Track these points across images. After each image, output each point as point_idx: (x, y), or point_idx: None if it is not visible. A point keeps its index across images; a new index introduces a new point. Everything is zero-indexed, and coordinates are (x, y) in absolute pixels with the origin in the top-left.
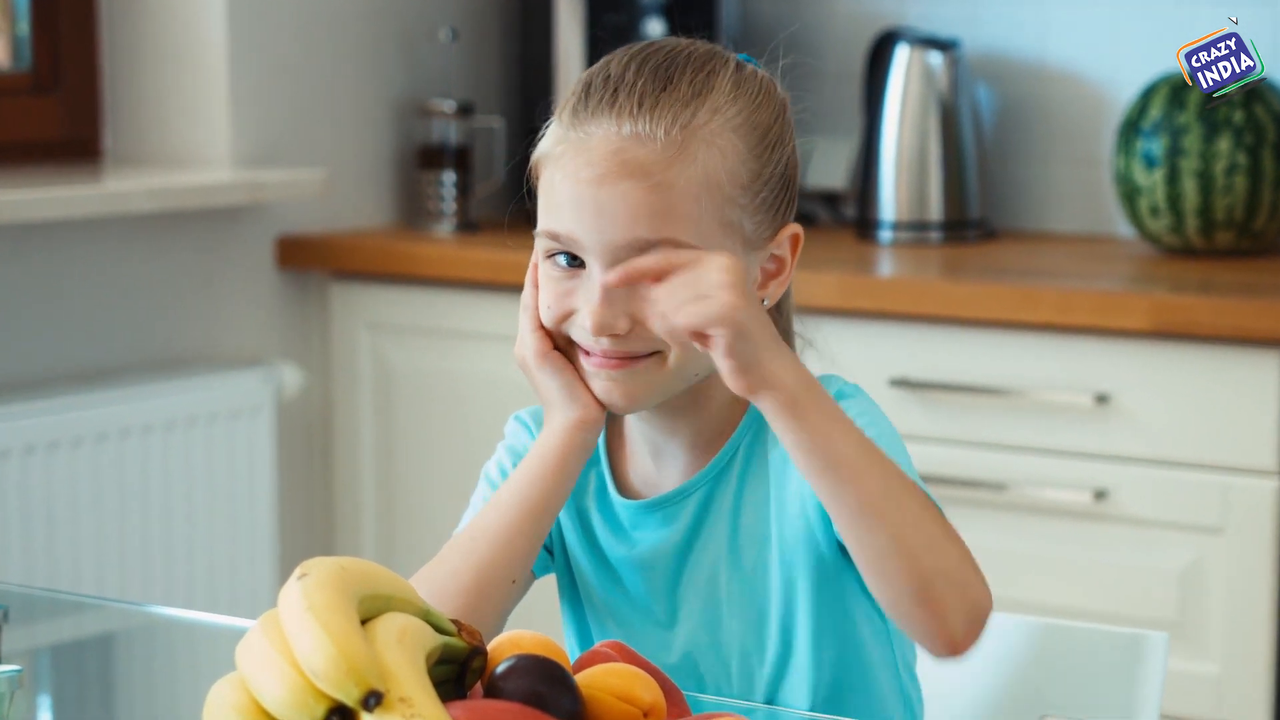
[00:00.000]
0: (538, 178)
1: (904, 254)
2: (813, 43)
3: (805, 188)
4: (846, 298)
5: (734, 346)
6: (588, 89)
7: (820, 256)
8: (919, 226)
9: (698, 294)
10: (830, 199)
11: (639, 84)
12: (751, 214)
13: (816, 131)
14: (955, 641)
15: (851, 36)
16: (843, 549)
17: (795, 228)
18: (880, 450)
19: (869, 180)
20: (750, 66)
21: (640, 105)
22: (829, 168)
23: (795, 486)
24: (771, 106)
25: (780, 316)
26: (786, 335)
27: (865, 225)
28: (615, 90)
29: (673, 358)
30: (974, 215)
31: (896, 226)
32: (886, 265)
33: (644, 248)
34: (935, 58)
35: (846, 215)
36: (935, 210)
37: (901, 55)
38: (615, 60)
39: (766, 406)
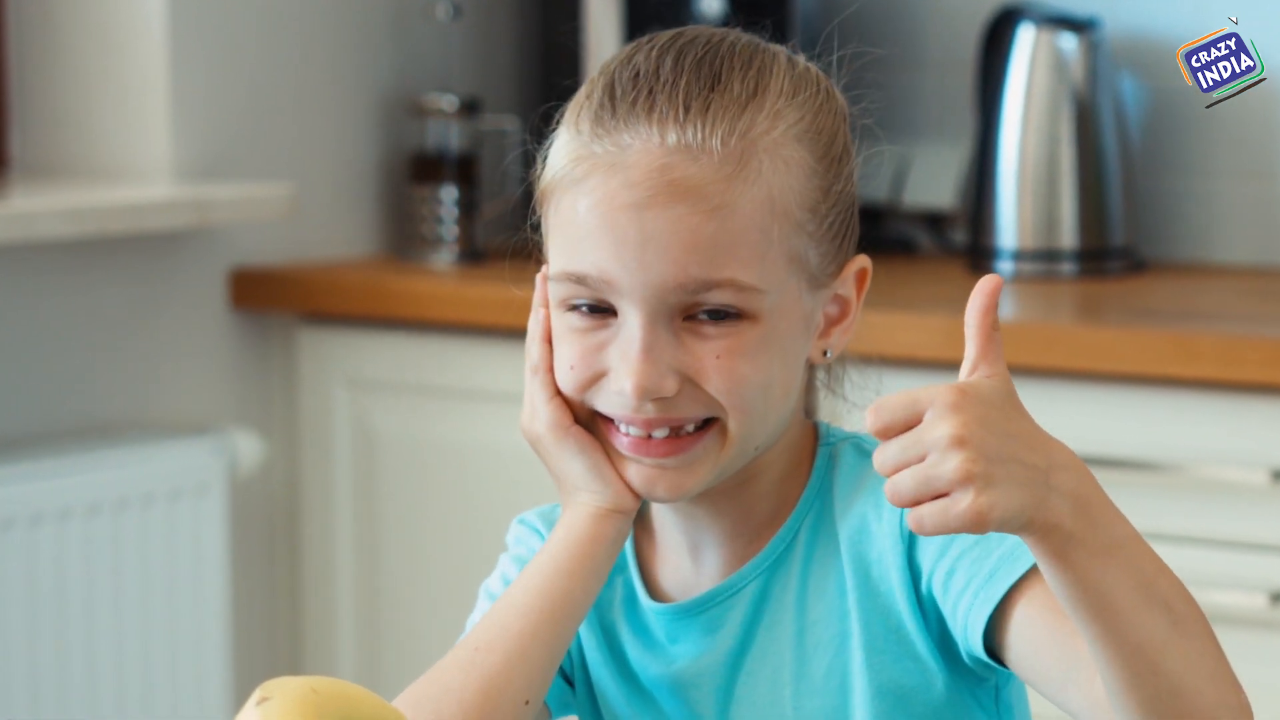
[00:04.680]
0: (547, 206)
1: (1028, 291)
2: (911, 24)
3: (903, 207)
4: (955, 346)
5: (990, 526)
6: (611, 90)
7: (922, 294)
8: (1047, 256)
9: (927, 479)
10: (934, 221)
11: (681, 82)
12: (818, 243)
13: (917, 136)
14: None
15: (961, 15)
16: (976, 664)
17: (863, 260)
18: (1165, 568)
19: (984, 198)
20: (802, 61)
21: (687, 109)
22: (933, 182)
23: (883, 564)
24: (833, 109)
25: (822, 371)
26: (826, 385)
27: (979, 254)
28: (650, 91)
29: (734, 425)
30: (1117, 242)
31: (1019, 256)
32: (1006, 305)
33: (697, 289)
34: (1068, 41)
35: (955, 242)
36: (1068, 236)
37: (1025, 39)
38: (641, 53)
39: (1029, 545)
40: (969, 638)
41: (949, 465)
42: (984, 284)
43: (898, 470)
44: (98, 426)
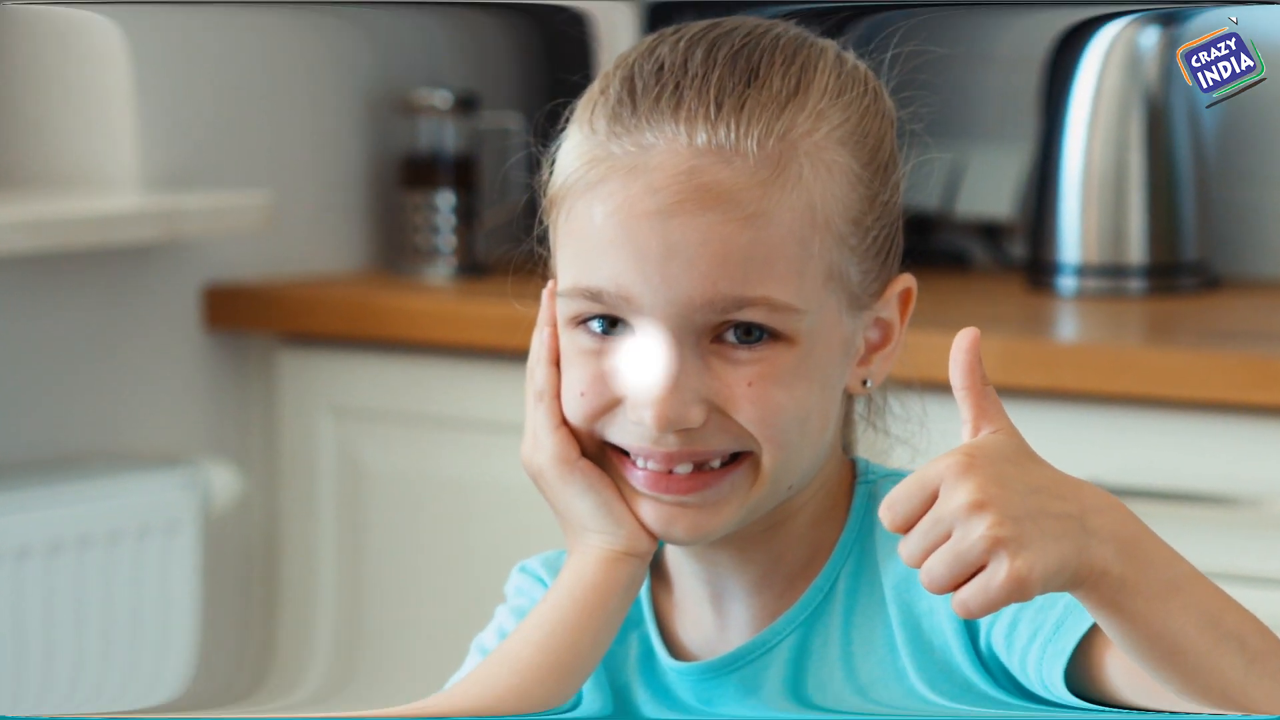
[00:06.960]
0: (556, 215)
1: (1093, 310)
2: (985, 16)
3: (956, 216)
4: (1012, 370)
5: (1034, 590)
6: (631, 84)
7: (976, 314)
8: (1114, 272)
9: (956, 556)
10: (990, 233)
11: (714, 77)
12: (860, 259)
13: (974, 138)
14: None
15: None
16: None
17: (907, 280)
18: (1232, 603)
19: (1045, 208)
20: (851, 59)
21: (719, 106)
22: (990, 190)
23: (934, 615)
24: (881, 111)
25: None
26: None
27: (1039, 270)
28: (677, 85)
29: (768, 460)
30: (1189, 257)
31: (1083, 272)
32: (1068, 325)
33: (727, 308)
34: (1149, 37)
35: (1012, 255)
36: (1137, 250)
37: (1105, 33)
38: (665, 44)
39: (1081, 600)
40: (1050, 690)
41: (975, 534)
42: (961, 341)
43: (925, 557)
44: (59, 457)
